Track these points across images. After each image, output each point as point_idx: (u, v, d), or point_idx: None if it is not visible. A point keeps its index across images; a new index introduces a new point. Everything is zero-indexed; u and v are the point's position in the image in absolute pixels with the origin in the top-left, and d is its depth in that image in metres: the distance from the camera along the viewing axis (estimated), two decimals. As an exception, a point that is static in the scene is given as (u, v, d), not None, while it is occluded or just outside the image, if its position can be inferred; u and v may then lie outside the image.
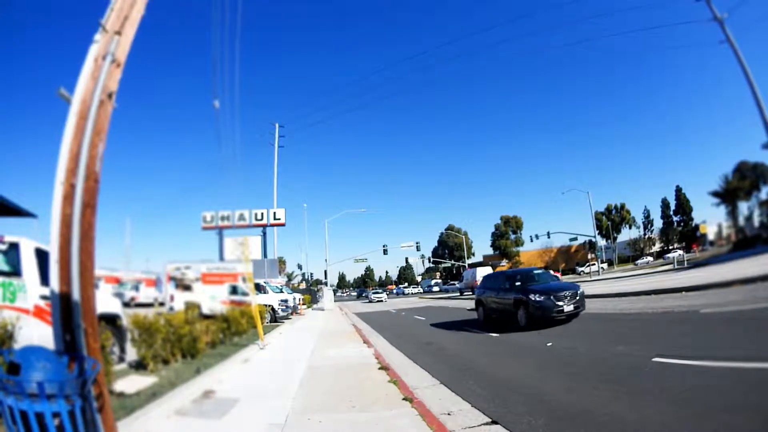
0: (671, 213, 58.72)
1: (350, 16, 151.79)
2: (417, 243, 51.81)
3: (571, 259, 67.74)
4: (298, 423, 4.48)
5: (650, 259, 52.41)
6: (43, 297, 5.18)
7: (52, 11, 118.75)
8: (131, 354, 6.80)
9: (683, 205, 56.98)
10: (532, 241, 54.83)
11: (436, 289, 67.31)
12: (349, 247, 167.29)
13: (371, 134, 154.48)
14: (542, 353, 7.86)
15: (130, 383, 5.48)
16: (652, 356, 6.05)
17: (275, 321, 17.64)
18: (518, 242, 72.34)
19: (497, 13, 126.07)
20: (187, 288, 10.28)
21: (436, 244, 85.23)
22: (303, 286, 56.41)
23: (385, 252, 51.33)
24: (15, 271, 5.38)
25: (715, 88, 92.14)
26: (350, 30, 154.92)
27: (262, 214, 21.56)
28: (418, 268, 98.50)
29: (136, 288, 12.08)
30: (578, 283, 12.82)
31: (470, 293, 39.31)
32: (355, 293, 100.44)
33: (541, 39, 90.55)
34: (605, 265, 51.57)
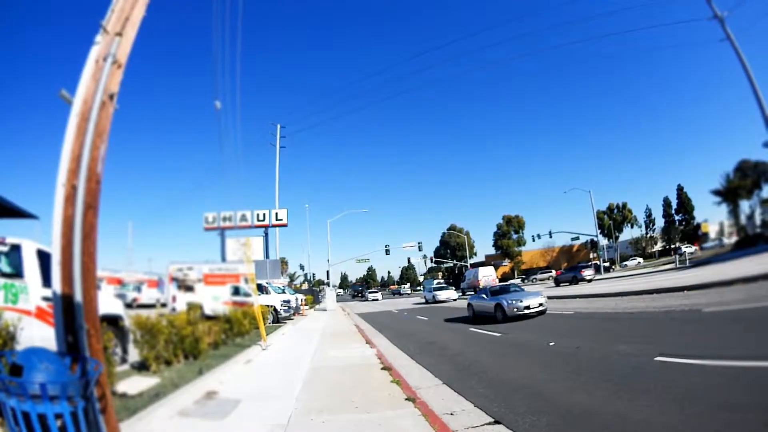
0: (673, 212, 58.54)
1: (352, 16, 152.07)
2: (419, 243, 51.71)
3: (573, 258, 67.51)
4: (301, 423, 4.47)
5: (640, 260, 51.71)
6: (45, 298, 5.19)
7: (53, 13, 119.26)
8: (134, 355, 6.80)
9: (685, 204, 56.73)
10: (534, 240, 54.91)
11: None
12: (352, 247, 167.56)
13: (373, 134, 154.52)
14: (545, 353, 7.85)
15: (132, 384, 5.48)
16: (655, 355, 6.03)
17: (278, 322, 17.64)
18: (520, 242, 72.05)
19: (498, 13, 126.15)
20: (189, 289, 10.29)
21: (438, 244, 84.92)
22: (305, 286, 56.37)
23: (387, 252, 51.28)
24: (17, 273, 5.38)
25: (715, 87, 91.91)
26: (352, 31, 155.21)
27: (264, 214, 21.57)
28: (420, 268, 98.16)
29: (139, 289, 12.07)
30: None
31: (472, 293, 39.24)
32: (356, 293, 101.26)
33: (542, 39, 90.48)
34: (606, 264, 51.33)
